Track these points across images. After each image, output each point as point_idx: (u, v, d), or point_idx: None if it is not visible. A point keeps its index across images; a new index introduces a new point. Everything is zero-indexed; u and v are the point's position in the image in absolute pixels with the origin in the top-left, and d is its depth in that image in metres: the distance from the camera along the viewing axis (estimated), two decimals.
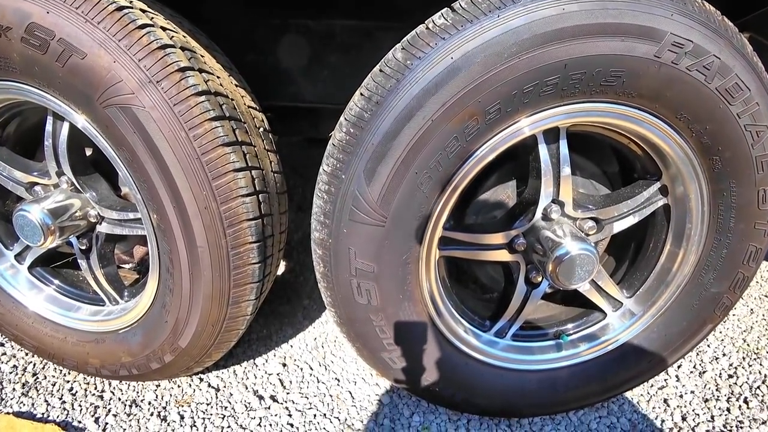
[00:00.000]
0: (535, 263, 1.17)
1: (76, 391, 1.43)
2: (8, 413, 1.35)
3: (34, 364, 1.51)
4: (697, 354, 1.63)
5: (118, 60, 0.97)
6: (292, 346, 1.61)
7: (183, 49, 1.04)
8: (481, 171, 1.02)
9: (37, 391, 1.43)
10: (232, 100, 1.11)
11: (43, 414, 1.37)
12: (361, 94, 0.97)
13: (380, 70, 0.95)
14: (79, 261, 1.33)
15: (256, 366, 1.53)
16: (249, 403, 1.40)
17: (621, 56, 0.91)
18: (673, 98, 0.99)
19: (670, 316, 1.27)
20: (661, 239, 1.25)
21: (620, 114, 1.02)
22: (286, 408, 1.40)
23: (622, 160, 1.29)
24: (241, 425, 1.34)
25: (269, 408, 1.39)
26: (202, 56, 1.10)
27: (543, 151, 1.06)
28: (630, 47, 0.91)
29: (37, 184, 1.28)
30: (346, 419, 1.37)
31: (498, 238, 1.14)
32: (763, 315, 1.83)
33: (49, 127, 1.18)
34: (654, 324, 1.28)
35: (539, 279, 1.22)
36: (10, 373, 1.48)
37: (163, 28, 1.03)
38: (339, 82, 1.33)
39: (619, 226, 1.20)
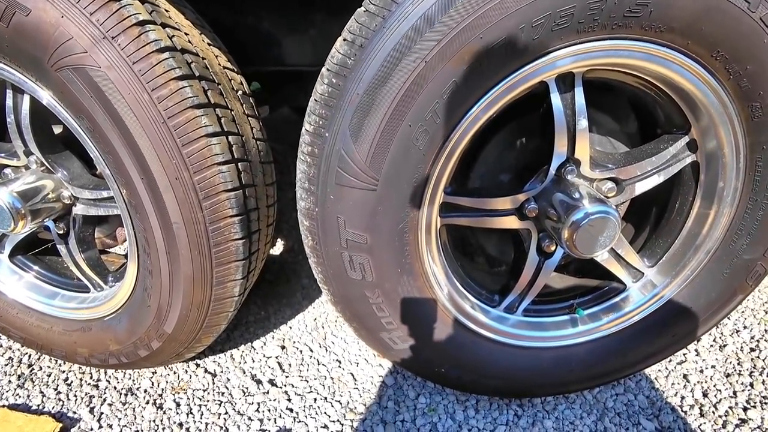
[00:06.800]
0: (548, 230, 1.00)
1: (72, 381, 1.32)
2: (3, 406, 1.25)
3: (29, 356, 1.40)
4: (717, 327, 1.46)
5: (66, 14, 0.81)
6: (291, 328, 1.48)
7: (143, 1, 0.87)
8: (485, 124, 0.85)
9: (33, 382, 1.32)
10: (203, 59, 0.94)
11: (38, 405, 1.26)
12: (344, 39, 0.79)
13: (364, 9, 0.77)
14: (57, 246, 1.19)
15: (254, 349, 1.40)
16: (247, 388, 1.28)
17: None
18: (709, 32, 0.80)
19: (698, 287, 1.10)
20: (687, 201, 1.07)
21: (646, 54, 0.83)
22: (285, 392, 1.27)
23: (641, 115, 1.10)
24: (238, 411, 1.22)
25: (268, 393, 1.27)
26: (167, 11, 0.93)
27: (556, 100, 0.88)
28: None
29: (6, 166, 1.14)
30: (348, 402, 1.24)
31: (506, 203, 0.97)
32: None
33: (9, 101, 1.03)
34: (679, 295, 1.11)
35: (553, 248, 1.05)
36: (6, 365, 1.38)
37: None
38: (326, 41, 1.14)
39: (641, 187, 1.02)
